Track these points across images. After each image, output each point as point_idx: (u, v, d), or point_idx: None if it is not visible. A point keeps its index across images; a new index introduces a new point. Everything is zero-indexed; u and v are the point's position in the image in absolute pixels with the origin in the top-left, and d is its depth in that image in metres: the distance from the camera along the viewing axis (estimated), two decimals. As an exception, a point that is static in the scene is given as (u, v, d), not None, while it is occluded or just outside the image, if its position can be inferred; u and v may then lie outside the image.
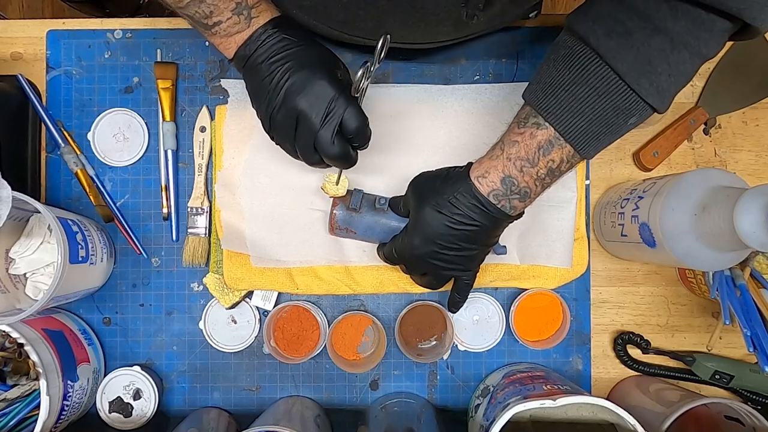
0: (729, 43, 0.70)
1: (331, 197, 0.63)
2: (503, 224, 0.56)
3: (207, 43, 0.70)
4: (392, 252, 0.60)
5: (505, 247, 0.65)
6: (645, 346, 0.70)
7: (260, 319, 0.70)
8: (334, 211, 0.63)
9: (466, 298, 0.62)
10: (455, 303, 0.62)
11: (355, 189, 0.64)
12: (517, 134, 0.53)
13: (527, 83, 0.54)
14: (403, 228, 0.60)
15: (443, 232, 0.55)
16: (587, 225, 0.71)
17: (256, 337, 0.70)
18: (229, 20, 0.53)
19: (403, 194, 0.61)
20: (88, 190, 0.70)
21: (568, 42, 0.51)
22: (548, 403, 0.53)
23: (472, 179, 0.54)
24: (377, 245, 0.65)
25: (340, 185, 0.62)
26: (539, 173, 0.52)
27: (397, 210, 0.62)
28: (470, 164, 0.56)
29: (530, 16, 0.75)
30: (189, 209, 0.69)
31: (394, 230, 0.62)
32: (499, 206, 0.53)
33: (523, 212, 0.57)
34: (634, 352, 0.71)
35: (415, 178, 0.60)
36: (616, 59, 0.48)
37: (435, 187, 0.56)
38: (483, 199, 0.53)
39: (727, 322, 0.58)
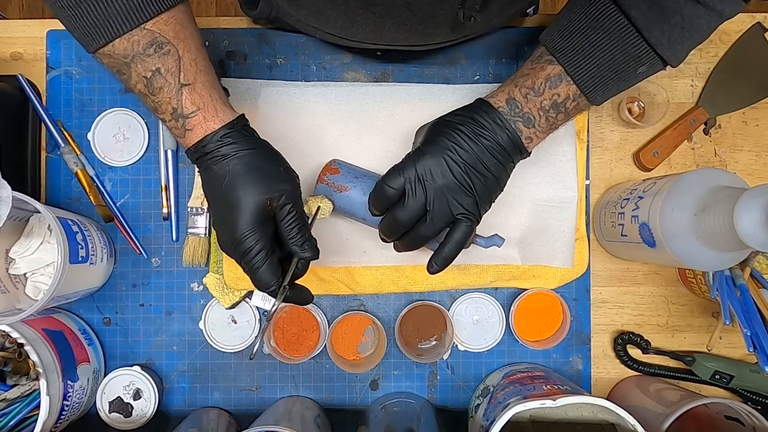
0: (728, 43, 0.72)
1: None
2: (513, 156, 0.54)
3: (206, 43, 0.70)
4: (399, 171, 0.54)
5: (503, 239, 0.63)
6: (645, 346, 0.70)
7: (260, 319, 0.70)
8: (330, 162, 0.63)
9: (455, 255, 0.55)
10: (443, 259, 0.55)
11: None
12: (529, 69, 0.54)
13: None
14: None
15: (456, 140, 0.53)
16: (587, 225, 0.71)
17: (256, 337, 0.70)
18: (171, 122, 0.51)
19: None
20: (88, 190, 0.70)
21: None
22: (548, 403, 0.53)
23: (484, 98, 0.55)
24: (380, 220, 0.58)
25: (324, 208, 0.60)
26: (543, 104, 0.53)
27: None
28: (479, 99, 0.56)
29: (528, 12, 0.74)
30: (189, 209, 0.69)
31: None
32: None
33: (530, 153, 0.56)
34: (634, 352, 0.71)
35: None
36: (630, 6, 0.49)
37: (448, 115, 0.56)
38: (495, 111, 0.53)
39: (727, 322, 0.58)
